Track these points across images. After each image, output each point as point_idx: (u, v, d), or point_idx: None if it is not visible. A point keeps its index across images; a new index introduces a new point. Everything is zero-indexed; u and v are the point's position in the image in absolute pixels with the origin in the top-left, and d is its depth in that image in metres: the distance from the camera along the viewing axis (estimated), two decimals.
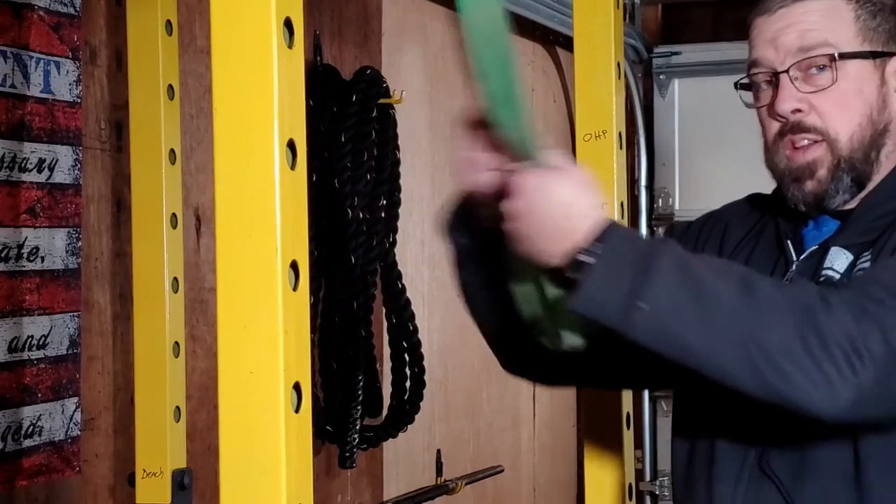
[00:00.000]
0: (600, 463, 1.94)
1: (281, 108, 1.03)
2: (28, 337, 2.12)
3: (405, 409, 3.03)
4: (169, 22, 2.21)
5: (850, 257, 1.55)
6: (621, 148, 2.08)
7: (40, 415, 2.14)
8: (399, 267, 3.03)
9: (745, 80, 1.65)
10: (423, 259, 3.46)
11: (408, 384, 3.04)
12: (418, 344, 3.03)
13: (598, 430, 1.95)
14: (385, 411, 3.03)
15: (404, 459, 3.35)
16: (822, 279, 1.55)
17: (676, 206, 4.57)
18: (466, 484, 3.50)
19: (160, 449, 2.18)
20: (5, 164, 2.08)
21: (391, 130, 2.99)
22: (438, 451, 3.46)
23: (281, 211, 1.03)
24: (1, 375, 2.07)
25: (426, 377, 3.04)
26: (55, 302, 2.18)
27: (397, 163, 3.00)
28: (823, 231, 1.61)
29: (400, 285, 3.01)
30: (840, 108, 1.57)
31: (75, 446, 2.22)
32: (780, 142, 1.60)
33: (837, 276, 1.55)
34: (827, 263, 1.56)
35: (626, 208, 2.12)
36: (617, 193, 2.08)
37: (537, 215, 1.37)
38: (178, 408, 2.20)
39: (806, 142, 1.58)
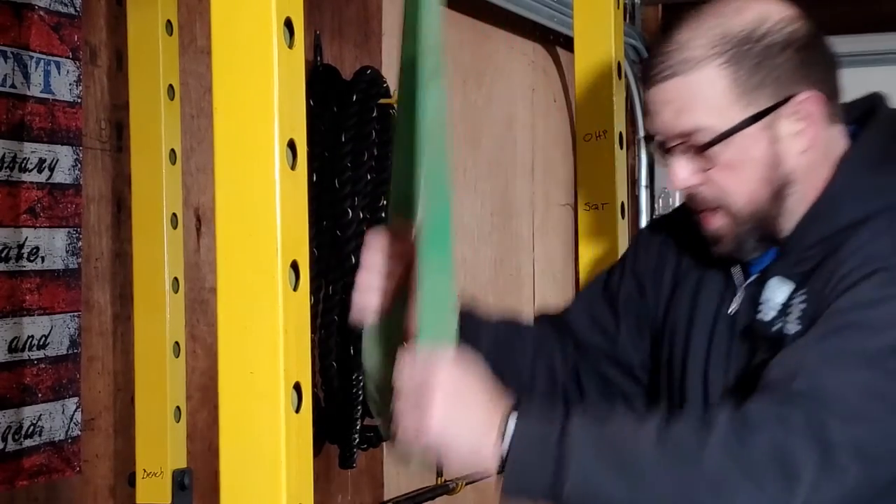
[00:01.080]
0: None
1: (281, 108, 1.03)
2: (28, 337, 2.12)
3: None
4: (169, 22, 2.21)
5: (791, 286, 1.52)
6: (621, 148, 2.08)
7: (40, 415, 2.14)
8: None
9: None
10: None
11: None
12: None
13: None
14: None
15: None
16: (758, 312, 1.53)
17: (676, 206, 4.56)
18: (466, 484, 3.50)
19: (160, 449, 2.18)
20: (5, 164, 2.08)
21: (391, 130, 2.99)
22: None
23: (281, 211, 1.03)
24: (1, 375, 2.07)
25: None
26: (55, 302, 2.18)
27: None
28: (767, 256, 1.57)
29: None
30: (732, 179, 1.52)
31: (75, 446, 2.22)
32: (695, 218, 1.59)
33: (776, 311, 1.51)
34: (764, 297, 1.54)
35: (626, 208, 2.12)
36: (617, 193, 2.09)
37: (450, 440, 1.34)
38: (178, 408, 2.20)
39: (713, 217, 1.55)
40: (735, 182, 1.52)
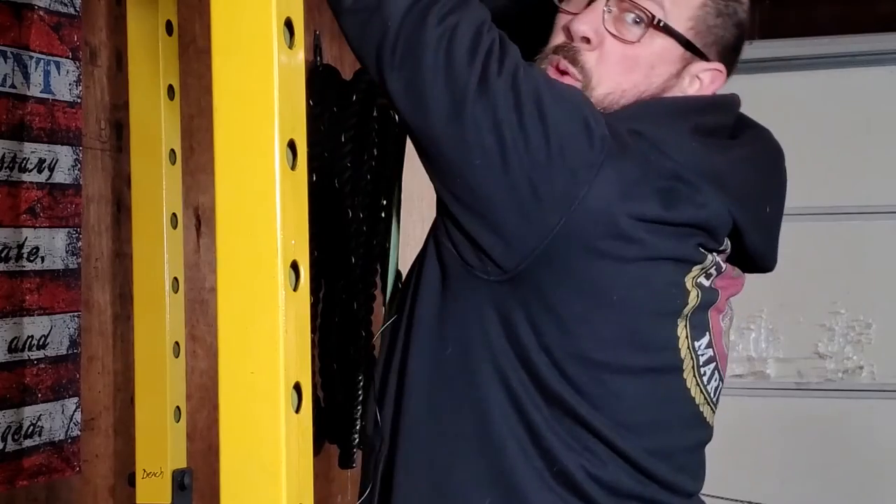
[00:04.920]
0: None
1: (281, 108, 1.03)
2: (28, 337, 2.12)
3: None
4: (169, 22, 2.21)
5: None
6: None
7: (40, 415, 2.14)
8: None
9: None
10: None
11: None
12: None
13: None
14: None
15: None
16: None
17: None
18: None
19: (160, 449, 2.18)
20: (5, 164, 2.08)
21: (391, 130, 2.99)
22: None
23: (281, 211, 1.03)
24: (1, 375, 2.07)
25: None
26: (55, 302, 2.18)
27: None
28: None
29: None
30: (621, 67, 1.46)
31: (75, 446, 2.22)
32: (551, 56, 1.49)
33: None
34: None
35: None
36: None
37: None
38: (178, 408, 2.20)
39: (568, 73, 1.46)
40: (619, 70, 1.46)
